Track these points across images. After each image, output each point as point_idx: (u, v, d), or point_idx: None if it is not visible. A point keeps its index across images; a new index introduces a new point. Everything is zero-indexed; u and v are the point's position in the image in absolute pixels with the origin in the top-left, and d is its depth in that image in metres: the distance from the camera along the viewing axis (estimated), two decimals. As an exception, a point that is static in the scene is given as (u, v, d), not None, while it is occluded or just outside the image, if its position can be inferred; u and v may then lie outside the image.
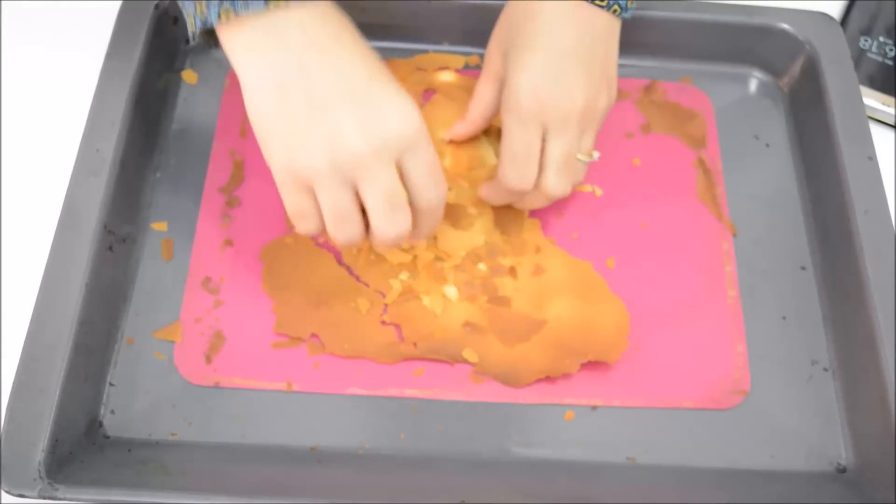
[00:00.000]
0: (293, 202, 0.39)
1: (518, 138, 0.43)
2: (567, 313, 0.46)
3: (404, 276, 0.46)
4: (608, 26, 0.43)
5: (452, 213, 0.48)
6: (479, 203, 0.48)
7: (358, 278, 0.46)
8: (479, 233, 0.48)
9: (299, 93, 0.36)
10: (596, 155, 0.45)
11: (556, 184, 0.44)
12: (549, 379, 0.44)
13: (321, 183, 0.37)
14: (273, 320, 0.45)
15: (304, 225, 0.40)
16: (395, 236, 0.39)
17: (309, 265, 0.47)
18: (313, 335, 0.45)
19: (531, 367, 0.44)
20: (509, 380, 0.44)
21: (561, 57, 0.42)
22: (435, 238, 0.47)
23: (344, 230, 0.39)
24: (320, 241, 0.47)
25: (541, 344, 0.45)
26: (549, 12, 0.42)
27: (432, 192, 0.40)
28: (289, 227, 0.47)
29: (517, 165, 0.43)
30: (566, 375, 0.44)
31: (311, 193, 0.38)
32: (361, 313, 0.45)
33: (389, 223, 0.39)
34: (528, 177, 0.43)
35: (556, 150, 0.43)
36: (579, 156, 0.44)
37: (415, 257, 0.46)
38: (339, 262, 0.47)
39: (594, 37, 0.43)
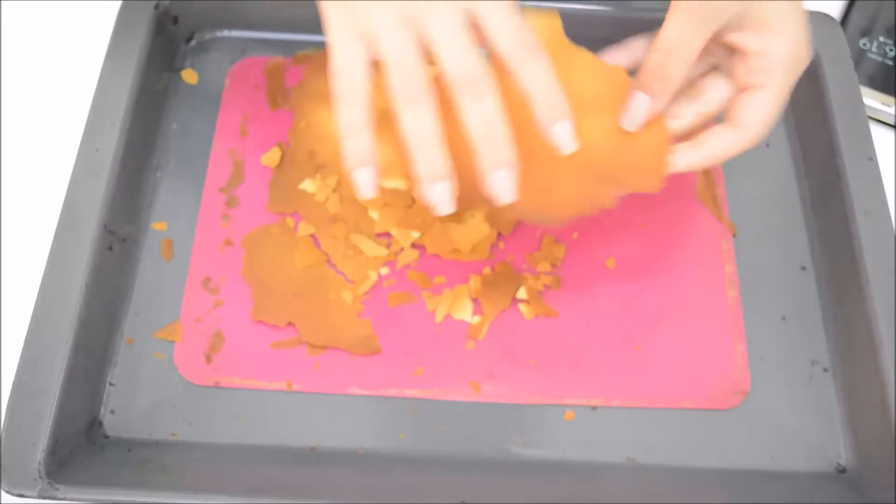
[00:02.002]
0: (342, 48, 0.34)
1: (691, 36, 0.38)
2: (598, 134, 0.38)
3: (385, 270, 0.47)
4: None
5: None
6: None
7: (337, 269, 0.47)
8: (481, 222, 0.48)
9: None
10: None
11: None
12: (549, 379, 0.44)
13: (383, 20, 0.33)
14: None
15: (345, 83, 0.34)
16: (475, 85, 0.33)
17: (290, 254, 0.47)
18: (289, 323, 0.45)
19: (563, 200, 0.39)
20: (542, 217, 0.41)
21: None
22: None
23: (409, 80, 0.33)
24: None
25: (570, 172, 0.38)
26: None
27: (513, 38, 0.33)
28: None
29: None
30: (566, 376, 0.45)
31: (367, 40, 0.34)
32: (341, 305, 0.45)
33: (465, 66, 0.33)
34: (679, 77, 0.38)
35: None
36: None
37: (393, 252, 0.47)
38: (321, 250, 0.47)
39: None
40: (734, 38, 0.39)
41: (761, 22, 0.38)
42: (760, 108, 0.40)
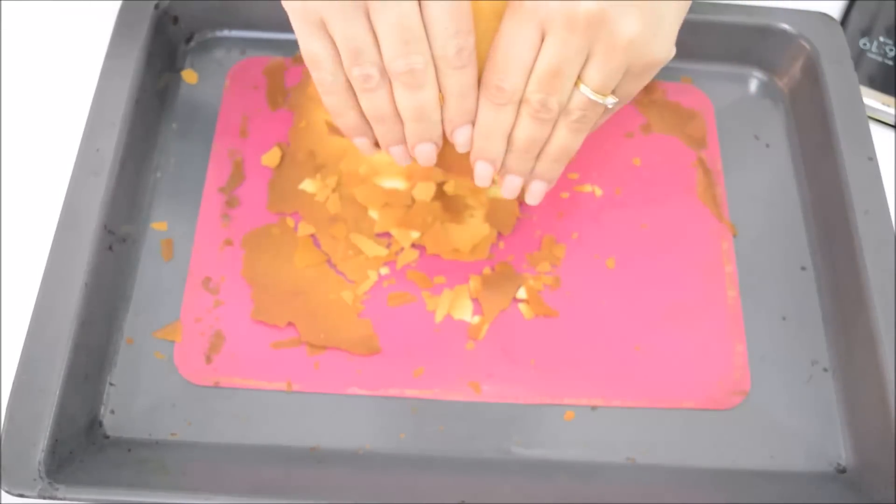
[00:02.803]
0: (305, 42, 0.35)
1: (557, 56, 0.35)
2: None
3: (385, 270, 0.47)
4: None
5: (452, 207, 0.48)
6: (477, 192, 0.48)
7: (337, 270, 0.47)
8: (481, 222, 0.48)
9: None
10: (612, 100, 0.37)
11: (580, 122, 0.37)
12: (549, 379, 0.45)
13: (329, 9, 0.33)
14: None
15: (319, 74, 0.35)
16: (415, 79, 0.34)
17: (290, 254, 0.47)
18: (289, 323, 0.45)
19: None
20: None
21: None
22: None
23: (361, 68, 0.34)
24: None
25: None
26: None
27: (454, 39, 0.34)
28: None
29: (544, 89, 0.36)
30: (566, 376, 0.45)
31: (324, 31, 0.34)
32: (341, 305, 0.45)
33: (403, 61, 0.34)
34: (553, 105, 0.36)
35: (591, 76, 0.36)
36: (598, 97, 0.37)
37: (393, 252, 0.47)
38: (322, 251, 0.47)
39: None
40: None
41: None
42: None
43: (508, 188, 0.40)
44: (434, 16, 0.34)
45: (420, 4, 0.34)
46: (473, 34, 0.35)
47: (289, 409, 0.43)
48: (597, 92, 0.36)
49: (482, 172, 0.39)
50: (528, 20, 0.35)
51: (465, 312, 0.46)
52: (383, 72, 0.35)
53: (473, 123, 0.37)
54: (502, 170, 0.39)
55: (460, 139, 0.38)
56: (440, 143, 0.38)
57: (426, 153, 0.38)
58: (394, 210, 0.48)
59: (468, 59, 0.35)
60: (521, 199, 0.49)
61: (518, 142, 0.38)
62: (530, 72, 0.36)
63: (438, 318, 0.46)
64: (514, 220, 0.48)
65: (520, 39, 0.35)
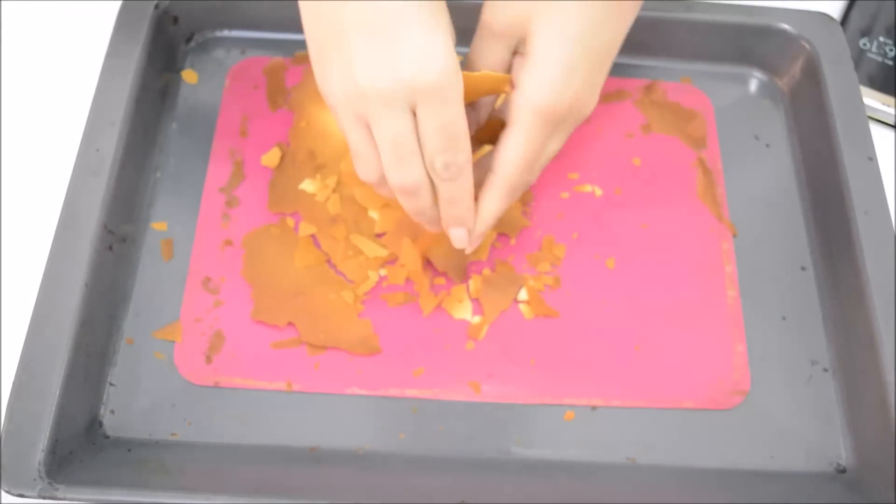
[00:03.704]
0: (340, 127, 0.38)
1: (536, 139, 0.38)
2: None
3: (385, 271, 0.47)
4: (631, 14, 0.39)
5: None
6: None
7: (337, 270, 0.47)
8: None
9: (325, 16, 0.34)
10: None
11: (530, 182, 0.41)
12: (549, 379, 0.45)
13: (338, 113, 0.36)
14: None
15: (355, 160, 0.39)
16: (407, 189, 0.37)
17: (290, 254, 0.47)
18: (289, 323, 0.45)
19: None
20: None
21: (598, 57, 0.37)
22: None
23: (363, 167, 0.38)
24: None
25: None
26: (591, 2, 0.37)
27: (441, 155, 0.36)
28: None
29: (526, 168, 0.39)
30: (566, 376, 0.45)
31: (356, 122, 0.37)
32: (341, 305, 0.45)
33: (397, 173, 0.36)
34: (535, 174, 0.40)
35: (553, 149, 0.40)
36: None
37: (393, 252, 0.47)
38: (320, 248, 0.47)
39: (616, 30, 0.38)
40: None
41: (526, 52, 0.38)
42: (505, 146, 0.39)
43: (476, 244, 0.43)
44: (424, 132, 0.35)
45: (414, 113, 0.35)
46: (464, 150, 0.36)
47: (289, 409, 0.43)
48: None
49: (476, 243, 0.42)
50: (555, 125, 0.38)
51: (465, 312, 0.46)
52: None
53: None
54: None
55: (454, 237, 0.41)
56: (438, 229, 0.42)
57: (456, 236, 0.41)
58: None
59: (456, 173, 0.37)
60: (523, 200, 0.49)
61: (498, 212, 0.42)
62: None
63: (426, 311, 0.46)
64: (519, 226, 0.48)
65: (547, 143, 0.39)
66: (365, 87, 0.34)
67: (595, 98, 0.39)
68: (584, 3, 0.36)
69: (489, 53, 0.39)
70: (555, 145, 0.40)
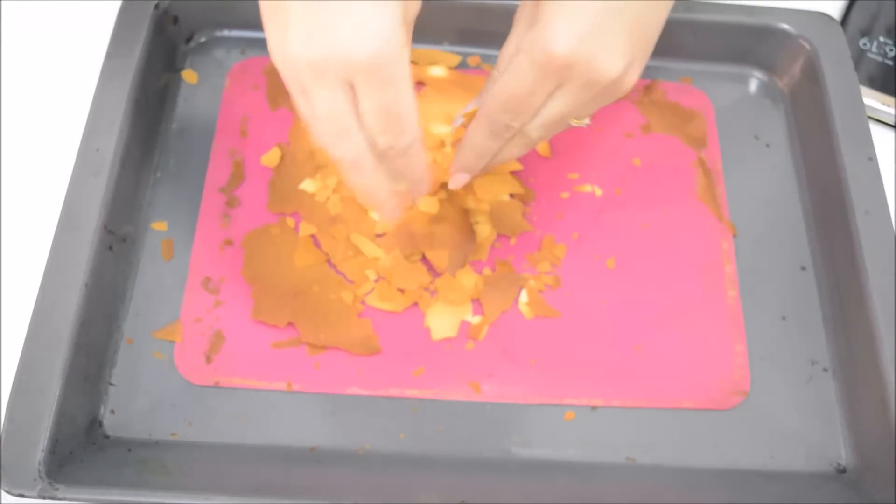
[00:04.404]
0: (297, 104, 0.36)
1: (526, 85, 0.36)
2: None
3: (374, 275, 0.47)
4: None
5: (454, 216, 0.48)
6: (478, 199, 0.48)
7: (337, 270, 0.47)
8: (482, 223, 0.48)
9: None
10: (586, 121, 0.40)
11: (540, 137, 0.39)
12: (549, 379, 0.45)
13: (283, 78, 0.34)
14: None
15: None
16: (346, 163, 0.36)
17: (290, 254, 0.47)
18: (289, 323, 0.45)
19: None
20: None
21: (606, 10, 0.34)
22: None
23: (312, 132, 0.36)
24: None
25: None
26: None
27: (382, 136, 0.34)
28: None
29: (513, 110, 0.37)
30: (566, 376, 0.45)
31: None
32: (341, 305, 0.45)
33: (334, 147, 0.35)
34: (515, 125, 0.38)
35: (557, 107, 0.37)
36: (572, 120, 0.39)
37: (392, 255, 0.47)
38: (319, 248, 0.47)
39: None
40: None
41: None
42: (495, 82, 0.37)
43: (458, 182, 0.43)
44: (362, 111, 0.34)
45: (350, 86, 0.33)
46: (408, 132, 0.35)
47: (289, 409, 0.43)
48: (580, 120, 0.40)
49: (461, 181, 0.41)
50: (553, 76, 0.35)
51: (465, 312, 0.46)
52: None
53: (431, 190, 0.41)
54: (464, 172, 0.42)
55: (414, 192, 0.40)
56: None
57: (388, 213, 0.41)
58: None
59: (400, 153, 0.36)
60: (524, 201, 0.49)
61: (499, 159, 0.41)
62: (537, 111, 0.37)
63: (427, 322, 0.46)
64: (520, 229, 0.48)
65: (541, 90, 0.36)
66: (296, 56, 0.32)
67: (618, 65, 0.35)
68: None
69: (522, 8, 0.37)
70: (561, 104, 0.37)
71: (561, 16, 0.34)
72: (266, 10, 0.34)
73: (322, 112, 0.34)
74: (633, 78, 0.37)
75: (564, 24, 0.34)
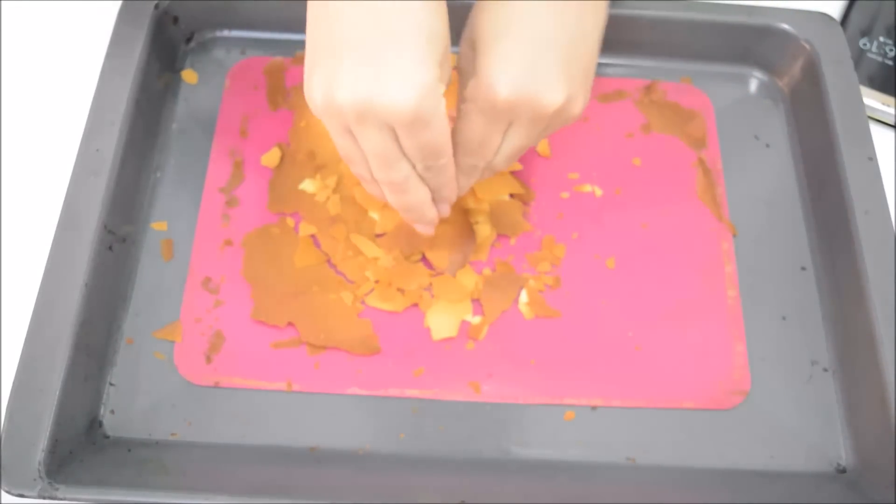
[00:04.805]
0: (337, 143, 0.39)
1: (479, 131, 0.39)
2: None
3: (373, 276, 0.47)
4: (593, 13, 0.39)
5: (455, 219, 0.48)
6: (478, 199, 0.48)
7: (337, 270, 0.47)
8: (482, 223, 0.48)
9: (325, 21, 0.35)
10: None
11: (501, 167, 0.42)
12: (549, 379, 0.45)
13: (322, 120, 0.36)
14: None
15: (356, 168, 0.40)
16: (395, 186, 0.38)
17: (290, 254, 0.47)
18: (289, 323, 0.45)
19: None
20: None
21: (538, 46, 0.37)
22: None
23: (353, 167, 0.39)
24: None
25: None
26: None
27: (422, 162, 0.37)
28: None
29: (474, 153, 0.40)
30: (566, 376, 0.45)
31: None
32: (341, 305, 0.45)
33: (382, 174, 0.38)
34: (481, 164, 0.41)
35: (514, 142, 0.39)
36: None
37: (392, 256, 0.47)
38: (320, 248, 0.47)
39: (576, 23, 0.38)
40: None
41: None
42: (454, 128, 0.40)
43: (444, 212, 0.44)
44: (404, 146, 0.36)
45: (390, 126, 0.35)
46: (445, 154, 0.37)
47: (289, 409, 0.43)
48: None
49: (444, 212, 0.43)
50: (502, 118, 0.38)
51: (465, 312, 0.46)
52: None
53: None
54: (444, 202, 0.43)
55: (440, 209, 0.42)
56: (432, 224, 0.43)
57: (421, 228, 0.43)
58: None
59: (438, 171, 0.39)
60: (524, 201, 0.49)
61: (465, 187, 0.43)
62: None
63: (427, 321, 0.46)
64: (520, 228, 0.48)
65: (494, 132, 0.39)
66: (342, 104, 0.34)
67: (558, 97, 0.37)
68: (516, 3, 0.37)
69: (462, 56, 0.40)
70: (517, 139, 0.39)
71: (496, 62, 0.36)
72: (314, 52, 0.36)
73: (370, 149, 0.36)
74: (578, 104, 0.39)
75: (500, 69, 0.36)
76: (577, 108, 0.39)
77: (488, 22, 0.37)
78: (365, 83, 0.33)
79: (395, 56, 0.33)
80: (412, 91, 0.33)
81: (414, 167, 0.38)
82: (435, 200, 0.41)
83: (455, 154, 0.40)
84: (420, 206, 0.40)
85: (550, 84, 0.37)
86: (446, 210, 0.43)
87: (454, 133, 0.39)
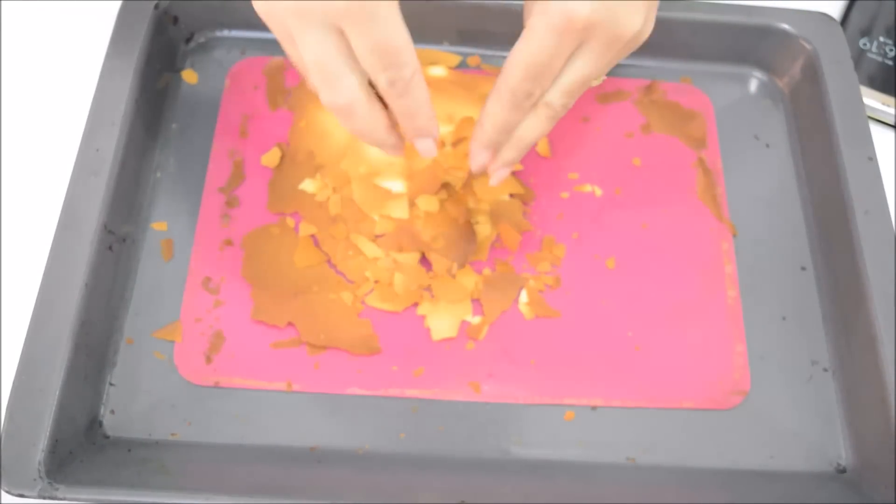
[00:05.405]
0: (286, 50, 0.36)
1: (545, 45, 0.35)
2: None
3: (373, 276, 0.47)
4: None
5: (454, 217, 0.48)
6: (478, 199, 0.49)
7: (337, 270, 0.47)
8: (482, 223, 0.48)
9: None
10: (602, 78, 0.39)
11: (563, 105, 0.37)
12: (549, 379, 0.45)
13: (269, 25, 0.34)
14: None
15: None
16: (339, 109, 0.35)
17: (290, 254, 0.47)
18: (289, 323, 0.45)
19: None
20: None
21: None
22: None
23: (307, 80, 0.36)
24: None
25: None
26: None
27: (383, 73, 0.33)
28: None
29: (529, 77, 0.36)
30: (566, 376, 0.45)
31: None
32: (341, 305, 0.45)
33: (325, 93, 0.34)
34: (534, 94, 0.37)
35: (580, 69, 0.36)
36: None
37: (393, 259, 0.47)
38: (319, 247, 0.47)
39: None
40: None
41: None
42: (513, 49, 0.36)
43: (499, 178, 0.42)
44: (357, 52, 0.33)
45: (339, 31, 0.33)
46: (408, 63, 0.34)
47: (289, 409, 0.43)
48: (597, 79, 0.38)
49: (480, 159, 0.40)
50: (574, 38, 0.35)
51: (465, 312, 0.46)
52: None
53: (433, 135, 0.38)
54: (496, 161, 0.40)
55: (420, 148, 0.38)
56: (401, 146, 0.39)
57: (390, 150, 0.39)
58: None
59: (404, 88, 0.35)
60: (524, 201, 0.49)
61: (526, 140, 0.39)
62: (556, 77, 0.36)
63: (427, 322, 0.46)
64: (520, 228, 0.48)
65: (560, 52, 0.35)
66: (278, 3, 0.32)
67: (638, 20, 0.35)
68: None
69: None
70: (584, 65, 0.36)
71: None
72: None
73: (310, 57, 0.33)
74: (649, 28, 0.37)
75: None
76: (647, 32, 0.37)
77: None
78: None
79: None
80: None
81: (373, 87, 0.35)
82: (410, 137, 0.37)
83: (510, 79, 0.36)
84: (373, 132, 0.37)
85: (632, 7, 0.35)
86: (428, 147, 0.38)
87: (515, 52, 0.36)
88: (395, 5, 0.32)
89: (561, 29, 0.34)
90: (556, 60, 0.35)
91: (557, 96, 0.37)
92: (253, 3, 0.33)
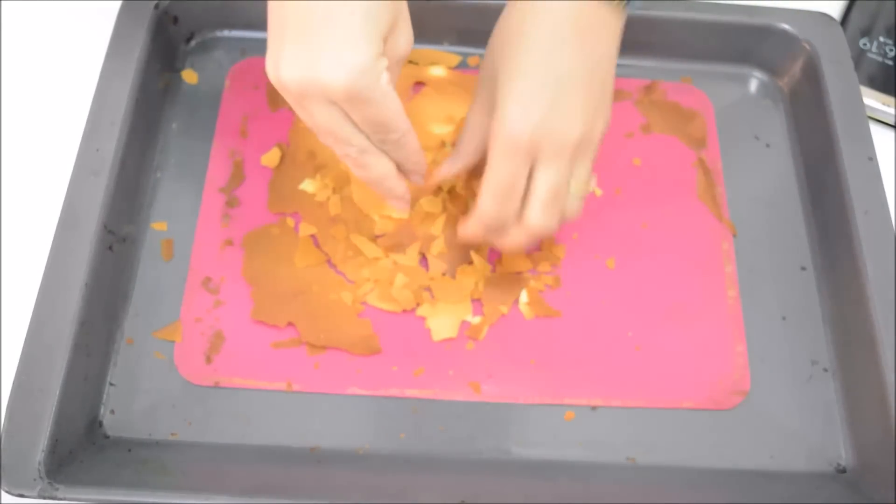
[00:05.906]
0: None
1: (502, 171, 0.39)
2: None
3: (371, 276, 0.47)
4: (611, 31, 0.39)
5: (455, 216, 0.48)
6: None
7: (337, 270, 0.47)
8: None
9: (276, 6, 0.36)
10: (593, 184, 0.42)
11: (540, 218, 0.40)
12: (549, 379, 0.45)
13: (283, 95, 0.37)
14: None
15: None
16: (354, 162, 0.39)
17: (290, 254, 0.47)
18: (290, 323, 0.45)
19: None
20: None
21: (557, 83, 0.38)
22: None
23: (319, 137, 0.39)
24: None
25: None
26: (545, 28, 0.38)
27: (375, 136, 0.38)
28: None
29: (498, 199, 0.40)
30: (566, 376, 0.45)
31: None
32: (341, 305, 0.45)
33: (338, 149, 0.38)
34: (509, 211, 0.40)
35: (543, 183, 0.39)
36: (573, 188, 0.41)
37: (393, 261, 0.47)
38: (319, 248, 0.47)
39: (594, 50, 0.39)
40: None
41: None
42: (482, 178, 0.40)
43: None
44: (354, 120, 0.37)
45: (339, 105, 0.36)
46: (396, 129, 0.37)
47: (289, 409, 0.43)
48: (584, 184, 0.41)
49: (417, 182, 0.43)
50: (524, 156, 0.39)
51: (465, 312, 0.46)
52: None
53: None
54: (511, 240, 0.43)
55: (415, 181, 0.42)
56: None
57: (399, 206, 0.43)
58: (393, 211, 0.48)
59: (395, 144, 0.38)
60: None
61: (521, 247, 0.43)
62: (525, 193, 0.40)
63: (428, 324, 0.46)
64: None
65: (518, 171, 0.39)
66: (286, 82, 0.36)
67: (575, 125, 0.39)
68: (536, 35, 0.38)
69: (482, 69, 0.41)
70: (547, 176, 0.39)
71: (515, 99, 0.38)
72: (270, 33, 0.37)
73: (317, 124, 0.37)
74: (600, 129, 0.40)
75: (520, 107, 0.38)
76: (599, 132, 0.40)
77: (510, 58, 0.39)
78: (302, 63, 0.35)
79: (328, 37, 0.34)
80: (343, 71, 0.34)
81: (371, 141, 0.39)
82: (404, 174, 0.41)
83: (481, 204, 0.40)
84: (383, 180, 0.40)
85: (572, 115, 0.39)
86: (419, 181, 0.42)
87: (483, 180, 0.40)
88: (390, 91, 0.36)
89: (510, 152, 0.39)
90: (518, 179, 0.39)
91: (534, 214, 0.40)
92: (267, 72, 0.37)
